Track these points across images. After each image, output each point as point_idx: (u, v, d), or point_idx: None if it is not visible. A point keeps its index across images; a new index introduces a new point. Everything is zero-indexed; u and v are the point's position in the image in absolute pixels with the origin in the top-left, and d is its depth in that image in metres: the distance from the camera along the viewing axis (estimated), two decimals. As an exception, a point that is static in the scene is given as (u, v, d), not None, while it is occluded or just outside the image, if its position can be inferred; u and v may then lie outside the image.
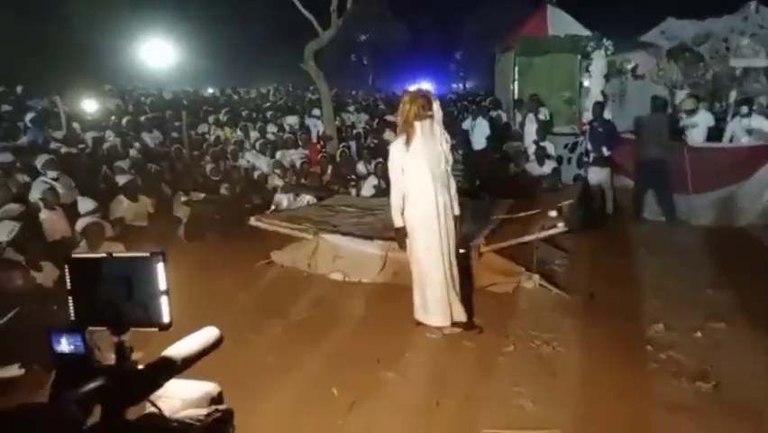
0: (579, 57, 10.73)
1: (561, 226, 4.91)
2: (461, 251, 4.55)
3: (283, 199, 7.67)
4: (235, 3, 22.76)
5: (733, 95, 9.11)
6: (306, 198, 7.62)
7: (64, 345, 1.17)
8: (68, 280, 1.26)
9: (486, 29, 20.72)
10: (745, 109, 7.96)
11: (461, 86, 31.47)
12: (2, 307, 3.61)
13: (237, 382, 3.35)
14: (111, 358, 1.21)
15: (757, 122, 7.78)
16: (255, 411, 3.18)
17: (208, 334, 1.35)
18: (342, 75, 24.64)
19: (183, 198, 7.45)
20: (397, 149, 4.11)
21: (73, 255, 1.27)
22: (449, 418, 3.23)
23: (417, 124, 3.99)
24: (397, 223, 4.20)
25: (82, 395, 1.12)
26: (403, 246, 4.28)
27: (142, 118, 11.45)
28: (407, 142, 4.03)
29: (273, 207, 7.43)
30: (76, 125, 10.51)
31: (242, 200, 7.95)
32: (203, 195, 7.68)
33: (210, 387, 1.43)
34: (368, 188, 8.23)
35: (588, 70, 9.97)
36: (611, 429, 3.07)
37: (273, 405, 3.33)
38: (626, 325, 4.40)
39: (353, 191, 8.43)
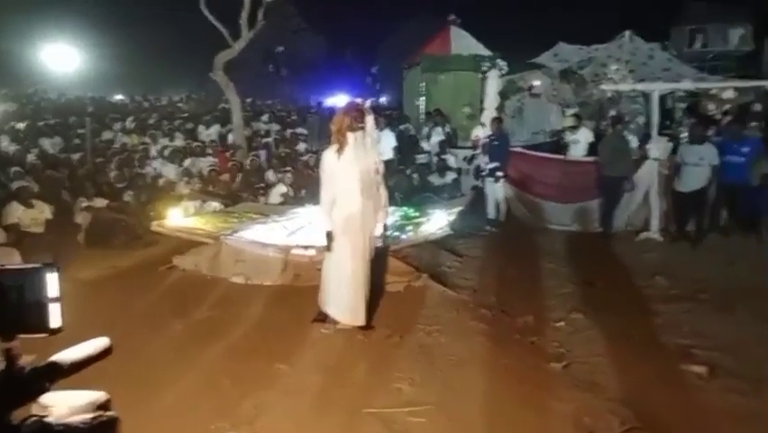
0: (480, 75, 11.50)
1: (447, 230, 5.37)
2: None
3: (189, 206, 7.73)
4: (149, 10, 22.23)
5: (611, 113, 10.15)
6: (213, 205, 7.74)
7: None
8: None
9: (399, 45, 21.46)
10: (620, 128, 8.88)
11: (377, 99, 32.14)
12: None
13: (135, 376, 3.52)
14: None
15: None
16: (150, 402, 3.34)
17: (98, 343, 1.44)
18: (259, 85, 24.61)
19: (84, 205, 7.35)
20: (329, 156, 4.32)
21: None
22: (333, 401, 3.53)
23: (350, 135, 4.24)
24: (326, 226, 4.41)
25: None
26: (330, 248, 4.47)
27: (41, 123, 11.05)
28: (339, 150, 4.27)
29: (180, 214, 7.47)
30: (-33, 129, 10.00)
31: (147, 207, 7.93)
32: (106, 202, 7.60)
33: (98, 395, 1.46)
34: (275, 196, 8.44)
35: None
36: (473, 402, 3.49)
37: (168, 396, 3.49)
38: (500, 317, 4.92)
39: (262, 199, 8.61)
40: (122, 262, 6.37)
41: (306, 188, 8.70)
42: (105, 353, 1.42)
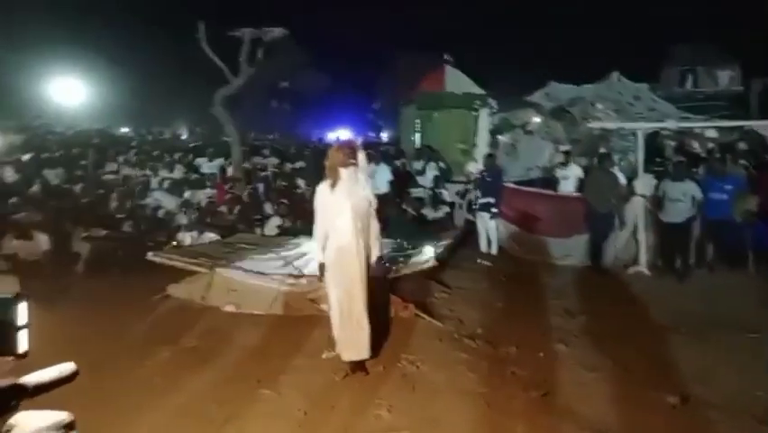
0: (473, 113, 11.82)
1: (432, 262, 5.53)
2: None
3: (186, 237, 7.92)
4: (152, 43, 22.87)
5: (601, 151, 10.39)
6: (210, 236, 7.92)
7: None
8: None
9: (398, 81, 21.98)
10: (606, 164, 9.11)
11: (378, 135, 32.71)
12: None
13: (120, 401, 3.65)
14: None
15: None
16: (135, 425, 3.46)
17: (64, 367, 1.53)
18: (260, 119, 25.09)
19: (83, 234, 7.54)
20: (322, 191, 4.43)
21: None
22: (314, 425, 3.66)
23: (342, 171, 4.34)
24: (319, 258, 4.50)
25: None
26: (322, 279, 4.56)
27: (45, 155, 11.34)
28: (333, 185, 4.37)
29: (174, 244, 7.65)
30: (-27, 160, 10.28)
31: (145, 237, 8.12)
32: (105, 231, 7.80)
33: (63, 416, 1.53)
34: (271, 228, 8.64)
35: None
36: (448, 429, 3.61)
37: (154, 419, 3.62)
38: (484, 347, 5.04)
39: (258, 230, 8.81)
40: (118, 291, 6.51)
41: (302, 220, 8.90)
42: (71, 377, 1.52)
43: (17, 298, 1.39)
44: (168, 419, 3.65)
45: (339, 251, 4.37)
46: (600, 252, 8.03)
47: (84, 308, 5.82)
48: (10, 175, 9.58)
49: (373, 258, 4.58)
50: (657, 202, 7.70)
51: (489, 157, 9.44)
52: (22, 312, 1.38)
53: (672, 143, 11.58)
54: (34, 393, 1.41)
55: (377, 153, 10.38)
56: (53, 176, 10.28)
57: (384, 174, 10.79)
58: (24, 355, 1.38)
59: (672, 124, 9.50)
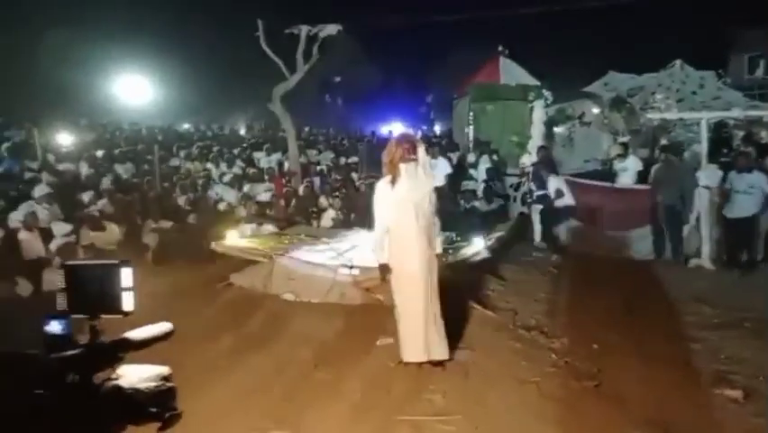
0: (528, 104, 11.69)
1: (485, 254, 5.57)
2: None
3: (247, 229, 8.23)
4: (212, 42, 23.62)
5: (663, 142, 10.09)
6: (268, 228, 8.21)
7: (54, 327, 1.56)
8: (62, 281, 1.67)
9: (451, 74, 21.87)
10: (670, 156, 8.84)
11: (431, 128, 32.67)
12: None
13: (188, 379, 3.88)
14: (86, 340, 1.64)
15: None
16: (202, 402, 3.69)
17: (162, 326, 1.77)
18: (315, 113, 25.52)
19: (152, 226, 7.97)
20: (382, 188, 4.26)
21: (68, 262, 1.73)
22: (370, 408, 3.80)
23: (402, 166, 4.16)
24: (380, 259, 4.31)
25: (63, 358, 1.51)
26: (383, 280, 4.41)
27: (116, 151, 11.97)
28: (392, 181, 4.20)
29: (237, 235, 7.97)
30: (50, 156, 10.99)
31: (208, 229, 8.48)
32: (171, 223, 8.21)
33: (161, 369, 1.77)
34: (327, 220, 8.87)
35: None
36: (501, 416, 3.67)
37: (218, 397, 3.86)
38: (538, 338, 5.06)
39: (314, 223, 9.06)
40: (184, 279, 6.87)
41: (356, 212, 9.09)
42: (168, 335, 1.76)
43: (122, 263, 1.59)
44: (231, 397, 3.88)
45: (401, 250, 4.21)
46: (663, 244, 7.84)
47: (153, 295, 6.17)
48: (84, 170, 10.20)
49: (438, 248, 4.41)
50: (724, 194, 7.44)
51: (543, 149, 9.34)
52: (126, 276, 1.58)
53: (741, 133, 11.10)
54: (138, 347, 1.61)
55: (435, 146, 10.36)
56: (123, 171, 10.86)
57: (443, 168, 10.80)
58: (129, 314, 1.58)
59: (737, 113, 9.10)
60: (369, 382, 4.16)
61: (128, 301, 1.59)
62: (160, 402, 1.59)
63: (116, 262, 1.63)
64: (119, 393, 1.53)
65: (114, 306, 1.59)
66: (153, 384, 1.62)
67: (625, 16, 24.96)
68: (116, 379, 1.58)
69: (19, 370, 1.49)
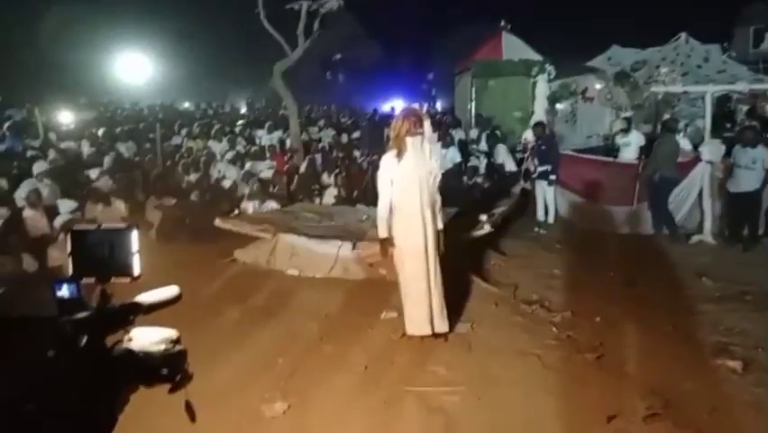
0: (531, 80, 11.61)
1: (487, 229, 5.59)
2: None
3: (249, 206, 8.25)
4: (211, 20, 23.38)
5: (665, 117, 10.03)
6: (271, 205, 8.22)
7: (64, 291, 1.56)
8: (68, 246, 1.66)
9: (452, 50, 21.69)
10: (669, 129, 8.80)
11: (433, 104, 32.49)
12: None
13: (194, 352, 3.93)
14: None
15: (680, 142, 8.64)
16: (209, 375, 3.74)
17: (170, 289, 1.74)
18: (316, 90, 25.37)
19: (155, 204, 7.99)
20: (388, 162, 4.24)
21: (74, 227, 1.69)
22: (376, 379, 3.86)
23: (408, 140, 4.15)
24: (382, 233, 4.29)
25: (75, 321, 1.51)
26: (385, 255, 4.40)
27: (118, 130, 11.94)
28: (398, 155, 4.19)
29: (237, 212, 8.00)
30: (52, 135, 10.97)
31: (211, 207, 8.50)
32: (174, 201, 8.22)
33: (171, 332, 1.74)
34: (329, 197, 8.87)
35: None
36: (503, 387, 3.73)
37: (227, 370, 3.91)
38: (540, 312, 5.10)
39: (317, 200, 9.06)
40: (188, 256, 6.90)
41: (358, 189, 9.10)
42: (177, 298, 1.76)
43: (130, 227, 1.59)
44: (239, 371, 3.93)
45: (406, 225, 4.22)
46: (663, 218, 7.85)
47: (157, 271, 6.21)
48: (86, 149, 10.19)
49: (439, 224, 4.38)
50: (727, 169, 7.42)
51: (538, 125, 9.25)
52: (134, 240, 1.59)
53: (744, 107, 11.04)
54: (148, 311, 1.62)
55: (446, 135, 10.20)
56: (124, 149, 10.85)
57: (454, 156, 10.71)
58: (138, 277, 1.58)
59: (742, 87, 9.03)
60: (374, 354, 4.21)
61: (137, 265, 1.60)
62: (171, 364, 1.62)
63: (125, 226, 1.67)
64: (130, 356, 1.55)
65: (124, 269, 1.60)
66: (164, 347, 1.64)
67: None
68: (127, 342, 1.63)
69: (32, 332, 1.51)
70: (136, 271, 1.61)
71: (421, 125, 4.20)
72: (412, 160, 4.18)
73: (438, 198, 4.38)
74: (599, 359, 4.14)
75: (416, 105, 9.02)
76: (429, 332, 4.32)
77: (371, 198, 6.00)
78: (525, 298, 5.43)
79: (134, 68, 23.88)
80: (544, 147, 9.00)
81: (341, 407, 3.55)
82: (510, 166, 10.20)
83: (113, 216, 7.33)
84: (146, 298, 1.66)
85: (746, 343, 4.39)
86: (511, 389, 3.71)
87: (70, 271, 1.63)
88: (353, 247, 5.94)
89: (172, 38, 23.57)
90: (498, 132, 10.84)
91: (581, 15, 24.94)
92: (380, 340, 4.48)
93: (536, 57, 11.70)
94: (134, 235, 1.61)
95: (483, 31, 16.52)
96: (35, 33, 18.79)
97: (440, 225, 4.38)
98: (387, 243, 4.32)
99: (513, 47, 11.97)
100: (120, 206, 7.47)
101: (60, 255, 7.79)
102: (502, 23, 12.40)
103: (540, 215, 8.78)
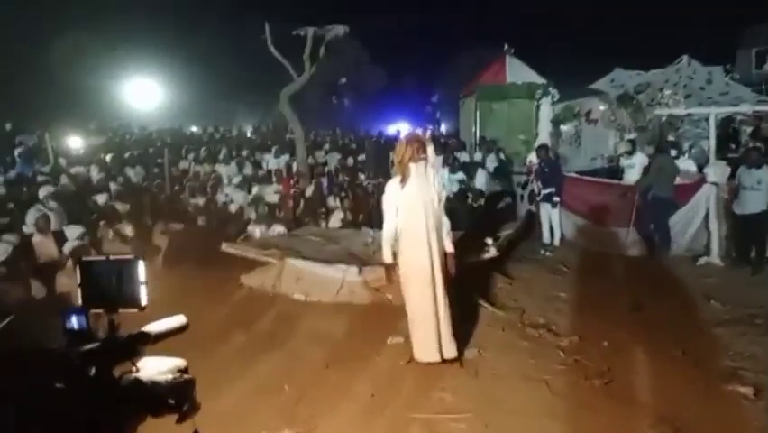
0: (534, 103, 11.69)
1: (493, 252, 5.59)
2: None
3: (256, 230, 8.30)
4: (218, 45, 23.77)
5: (669, 138, 10.06)
6: (277, 229, 8.26)
7: (73, 323, 1.59)
8: (78, 276, 1.71)
9: (457, 74, 21.93)
10: (673, 152, 8.84)
11: (437, 128, 32.69)
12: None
13: (200, 379, 3.94)
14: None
15: (685, 164, 8.66)
16: (213, 402, 3.74)
17: (177, 319, 1.79)
18: (321, 114, 25.62)
19: (162, 228, 8.04)
20: (392, 188, 4.27)
21: (83, 258, 1.76)
22: (382, 406, 3.84)
23: (412, 166, 4.17)
24: (387, 258, 4.31)
25: (83, 352, 1.54)
26: (390, 280, 4.41)
27: (126, 155, 12.07)
28: (402, 181, 4.21)
29: (245, 237, 8.04)
30: (62, 160, 11.10)
31: (218, 231, 8.55)
32: (181, 226, 8.28)
33: (178, 361, 1.80)
34: (335, 221, 8.91)
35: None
36: (511, 413, 3.70)
37: (232, 397, 3.91)
38: (547, 336, 5.07)
39: (323, 224, 9.10)
40: (194, 281, 6.92)
41: (364, 213, 9.14)
42: (184, 328, 1.78)
43: (137, 259, 1.63)
44: (245, 398, 3.93)
45: (412, 249, 4.22)
46: (668, 239, 7.83)
47: (164, 296, 6.23)
48: (95, 174, 10.29)
49: (447, 252, 4.37)
50: (732, 190, 7.42)
51: (542, 148, 9.28)
52: (141, 271, 1.62)
53: (748, 129, 11.06)
54: (155, 340, 1.65)
55: (453, 158, 10.26)
56: (133, 174, 10.96)
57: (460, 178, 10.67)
58: (145, 308, 1.62)
59: (746, 108, 9.06)
60: (380, 381, 4.19)
61: (144, 295, 1.63)
62: (179, 394, 1.63)
63: (132, 257, 1.69)
64: (138, 386, 1.57)
65: (131, 300, 1.63)
66: (171, 376, 1.65)
67: (631, 12, 24.92)
68: (135, 372, 1.63)
69: (40, 365, 1.53)
70: (143, 301, 1.64)
71: (424, 151, 4.24)
72: (416, 185, 4.20)
73: (446, 222, 4.39)
74: (608, 385, 4.11)
75: (419, 131, 9.11)
76: (437, 358, 4.29)
77: (377, 220, 6.04)
78: (532, 322, 5.41)
79: (143, 92, 24.25)
80: (547, 170, 9.03)
81: (347, 435, 3.53)
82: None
83: (122, 244, 7.39)
84: (153, 327, 1.68)
85: (757, 367, 4.34)
86: (518, 416, 3.68)
87: (79, 301, 1.66)
88: (359, 272, 5.95)
89: (180, 63, 23.94)
90: (502, 154, 10.88)
91: (584, 38, 25.22)
92: (387, 366, 4.47)
93: (540, 80, 11.81)
94: (141, 266, 1.64)
95: (487, 55, 16.72)
96: (46, 60, 19.14)
97: (449, 249, 4.37)
98: (392, 268, 4.34)
99: (517, 70, 12.10)
100: (127, 228, 7.53)
101: (68, 282, 7.82)
102: (506, 47, 12.56)
103: (546, 237, 8.78)
